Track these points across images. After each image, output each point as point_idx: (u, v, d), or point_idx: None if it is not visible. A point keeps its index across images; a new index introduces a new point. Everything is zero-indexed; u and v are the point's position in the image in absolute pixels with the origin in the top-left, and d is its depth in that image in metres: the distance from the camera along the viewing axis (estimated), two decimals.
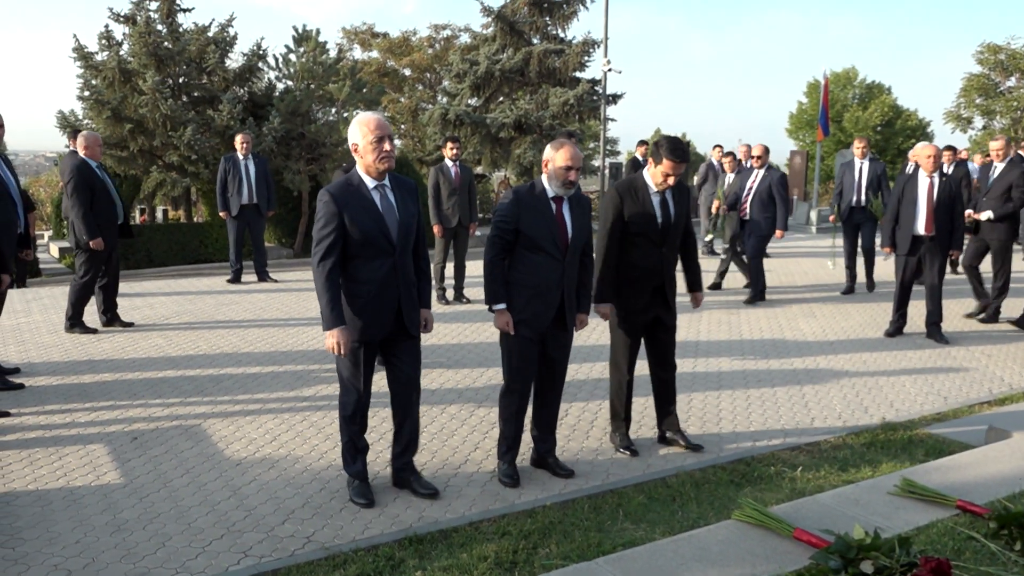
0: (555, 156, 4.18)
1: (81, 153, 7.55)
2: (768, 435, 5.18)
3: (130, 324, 7.96)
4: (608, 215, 4.64)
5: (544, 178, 4.28)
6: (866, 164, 9.71)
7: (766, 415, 5.56)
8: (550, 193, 4.24)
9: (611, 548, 3.47)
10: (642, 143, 14.51)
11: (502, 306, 4.22)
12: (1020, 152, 16.17)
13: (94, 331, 7.66)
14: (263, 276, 10.59)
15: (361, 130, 3.83)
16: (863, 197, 9.69)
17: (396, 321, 3.98)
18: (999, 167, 8.50)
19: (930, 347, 7.47)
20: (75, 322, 7.66)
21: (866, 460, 4.73)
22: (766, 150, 9.53)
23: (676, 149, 4.48)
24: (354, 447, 4.12)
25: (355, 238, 3.82)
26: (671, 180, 4.54)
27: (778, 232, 9.43)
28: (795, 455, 4.85)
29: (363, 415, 4.10)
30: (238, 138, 10.27)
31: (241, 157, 10.18)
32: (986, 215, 8.34)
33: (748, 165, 9.89)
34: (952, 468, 3.80)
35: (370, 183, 3.90)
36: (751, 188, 9.38)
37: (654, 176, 4.59)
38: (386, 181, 3.95)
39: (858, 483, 3.74)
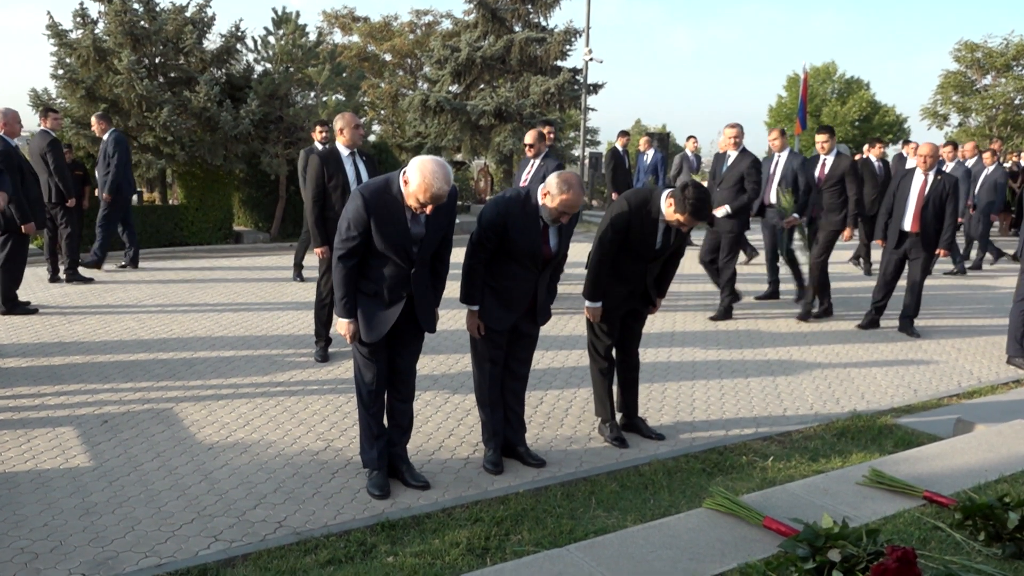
0: (556, 197, 4.07)
1: (1, 132, 7.36)
2: (741, 424, 5.23)
3: (34, 311, 7.64)
4: (614, 226, 4.56)
5: (539, 196, 4.19)
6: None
7: (739, 405, 5.61)
8: (541, 213, 4.19)
9: (583, 535, 3.49)
10: (623, 133, 14.44)
11: (476, 308, 4.25)
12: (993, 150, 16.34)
13: (34, 311, 7.57)
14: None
15: (421, 181, 3.64)
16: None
17: (405, 317, 4.00)
18: (732, 155, 8.13)
19: (901, 340, 7.56)
20: (10, 306, 7.48)
21: (836, 450, 4.78)
22: (540, 136, 7.78)
23: (700, 208, 4.31)
24: (370, 433, 4.11)
25: (377, 245, 3.83)
26: (684, 229, 4.52)
27: None
28: (767, 445, 4.89)
29: (379, 399, 4.10)
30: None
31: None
32: (723, 211, 7.96)
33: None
34: (920, 459, 3.84)
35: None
36: (527, 180, 7.76)
37: (669, 215, 4.44)
38: None
39: (827, 473, 3.78)
